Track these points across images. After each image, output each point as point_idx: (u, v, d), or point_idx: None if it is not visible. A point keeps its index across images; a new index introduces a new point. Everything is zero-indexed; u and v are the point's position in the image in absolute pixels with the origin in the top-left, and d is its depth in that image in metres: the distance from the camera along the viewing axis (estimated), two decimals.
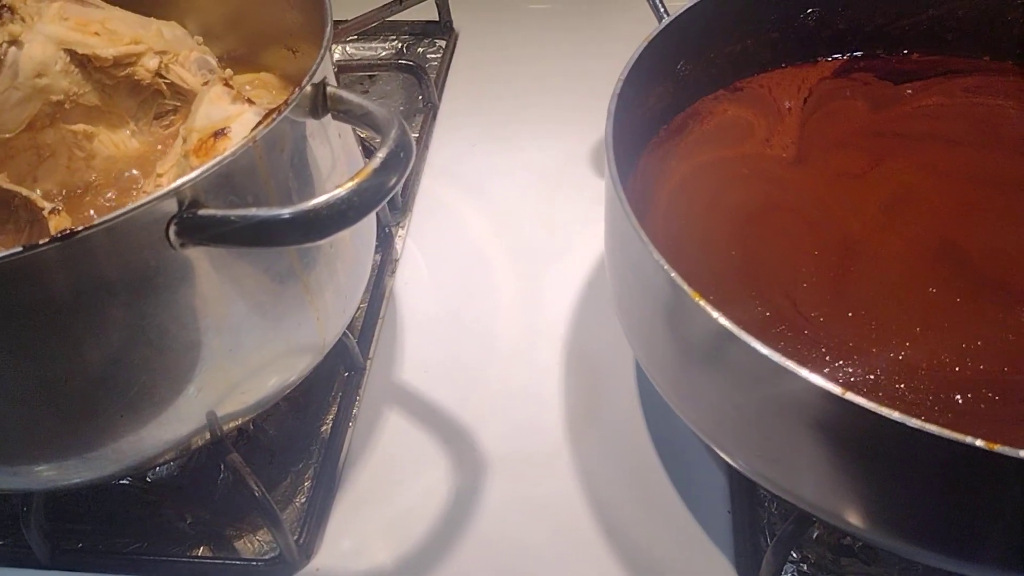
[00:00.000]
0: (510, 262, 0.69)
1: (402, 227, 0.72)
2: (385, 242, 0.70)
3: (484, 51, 0.90)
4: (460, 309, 0.66)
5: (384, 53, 0.90)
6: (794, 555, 0.51)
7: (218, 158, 0.41)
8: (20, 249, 0.37)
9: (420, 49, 0.90)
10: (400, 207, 0.73)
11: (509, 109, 0.82)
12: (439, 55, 0.89)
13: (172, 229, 0.40)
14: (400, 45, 0.91)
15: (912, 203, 0.54)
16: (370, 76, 0.87)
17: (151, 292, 0.42)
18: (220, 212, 0.40)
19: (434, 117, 0.82)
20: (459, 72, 0.87)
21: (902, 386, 0.45)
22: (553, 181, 0.74)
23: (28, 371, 0.42)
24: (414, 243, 0.71)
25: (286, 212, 0.39)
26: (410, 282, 0.68)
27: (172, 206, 0.40)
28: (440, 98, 0.84)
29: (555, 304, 0.65)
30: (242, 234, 0.40)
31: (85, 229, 0.38)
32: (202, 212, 0.40)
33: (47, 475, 0.47)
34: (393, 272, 0.69)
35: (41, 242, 0.37)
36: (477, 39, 0.91)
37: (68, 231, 0.38)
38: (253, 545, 0.53)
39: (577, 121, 0.79)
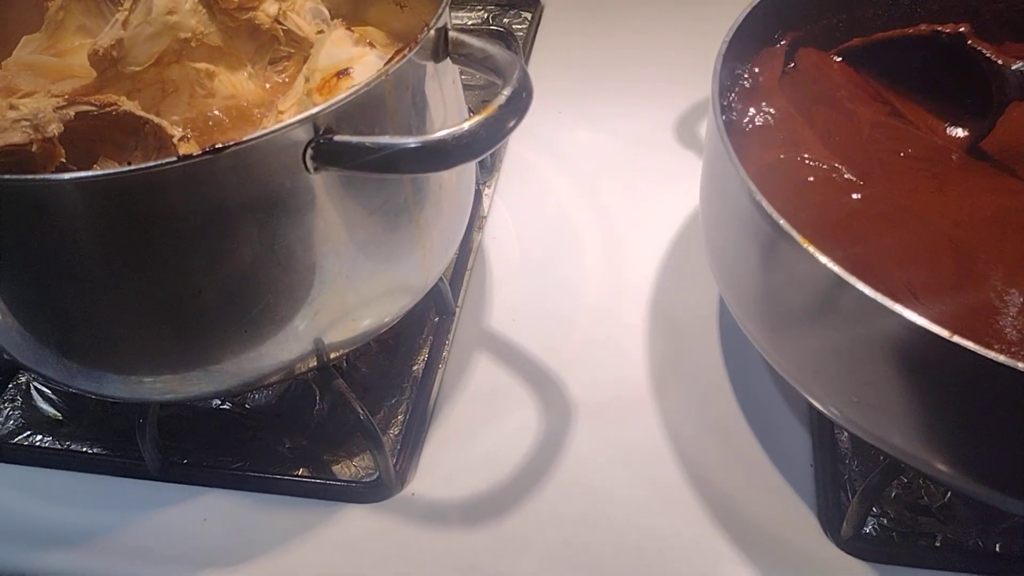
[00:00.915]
0: (595, 223, 0.70)
1: (489, 186, 0.74)
2: (474, 199, 0.72)
3: (569, 22, 0.91)
4: (546, 265, 0.68)
5: (471, 23, 0.92)
6: (874, 510, 0.52)
7: (353, 88, 0.43)
8: (174, 159, 0.40)
9: (506, 20, 0.92)
10: (488, 167, 0.75)
11: (594, 78, 0.84)
12: (524, 26, 0.91)
13: (309, 153, 0.43)
14: (486, 15, 0.93)
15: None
16: None
17: (283, 213, 0.44)
18: (354, 139, 0.43)
19: None
20: (545, 42, 0.89)
21: None
22: (638, 148, 0.76)
23: (163, 282, 0.45)
24: (501, 201, 0.73)
25: (414, 142, 0.42)
26: (497, 238, 0.70)
27: (309, 132, 0.42)
28: (527, 66, 0.86)
29: (639, 265, 0.67)
30: (374, 160, 0.42)
31: (234, 144, 0.40)
32: (337, 138, 0.43)
33: (167, 386, 0.49)
34: (481, 228, 0.71)
35: (195, 152, 0.40)
36: (562, 11, 0.93)
37: (218, 145, 0.40)
38: (350, 470, 0.55)
39: (661, 91, 0.80)
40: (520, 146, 0.77)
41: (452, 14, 0.93)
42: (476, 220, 0.71)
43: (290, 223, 0.45)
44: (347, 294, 0.49)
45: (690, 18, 0.89)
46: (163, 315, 0.46)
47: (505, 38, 0.85)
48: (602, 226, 0.70)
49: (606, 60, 0.86)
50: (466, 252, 0.69)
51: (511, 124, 0.44)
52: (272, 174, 0.43)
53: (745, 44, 0.57)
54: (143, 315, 0.46)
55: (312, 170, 0.43)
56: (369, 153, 0.42)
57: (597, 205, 0.71)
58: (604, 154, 0.76)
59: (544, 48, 0.88)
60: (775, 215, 0.43)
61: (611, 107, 0.81)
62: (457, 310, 0.64)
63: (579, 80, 0.84)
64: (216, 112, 0.57)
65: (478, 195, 0.73)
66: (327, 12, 0.62)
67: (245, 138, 0.41)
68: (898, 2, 0.65)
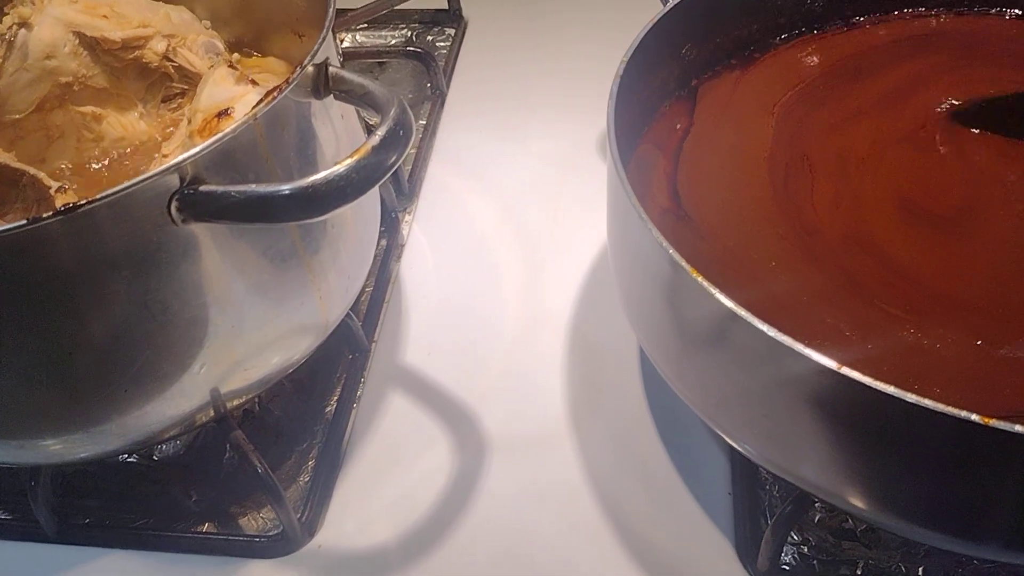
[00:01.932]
0: (516, 249, 0.69)
1: (409, 213, 0.73)
2: (391, 227, 0.70)
3: (493, 39, 0.90)
4: (465, 294, 0.66)
5: (394, 41, 0.90)
6: (795, 537, 0.51)
7: (219, 135, 0.42)
8: (25, 222, 0.38)
9: (429, 37, 0.90)
10: (407, 193, 0.73)
11: (517, 97, 0.82)
12: (448, 43, 0.89)
13: (174, 204, 0.41)
14: (409, 33, 0.91)
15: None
16: (379, 64, 0.88)
17: (154, 267, 0.42)
18: (221, 188, 0.41)
19: (442, 105, 0.82)
20: (468, 60, 0.87)
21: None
22: (560, 168, 0.75)
23: (33, 345, 0.42)
24: (420, 229, 0.71)
25: (286, 188, 0.40)
26: (415, 267, 0.68)
27: (174, 181, 0.41)
28: (449, 86, 0.84)
29: (560, 291, 0.65)
30: (243, 209, 0.40)
31: (88, 203, 0.38)
32: (203, 188, 0.41)
33: (53, 449, 0.47)
34: (399, 257, 0.69)
35: (45, 215, 0.38)
36: (486, 27, 0.91)
37: (71, 205, 0.38)
38: (257, 522, 0.53)
39: (584, 108, 0.79)
40: (440, 170, 0.76)
41: (375, 33, 0.92)
42: (394, 249, 0.69)
43: (162, 278, 0.43)
44: (235, 344, 0.47)
45: (614, 32, 0.87)
46: (35, 378, 0.44)
47: (425, 59, 0.83)
48: (522, 252, 0.68)
49: (531, 75, 0.85)
50: (383, 283, 0.67)
51: (389, 163, 0.42)
52: (137, 229, 0.41)
53: (650, 61, 0.55)
54: (14, 379, 0.44)
55: (180, 223, 0.41)
56: (236, 202, 0.40)
57: (517, 230, 0.70)
58: (526, 175, 0.74)
59: (467, 66, 0.87)
60: (666, 244, 0.42)
61: (535, 125, 0.79)
62: (373, 345, 0.63)
63: (502, 97, 0.82)
64: (102, 158, 0.55)
65: (396, 222, 0.71)
66: (221, 45, 0.60)
67: (101, 195, 0.39)
68: (811, 9, 0.64)
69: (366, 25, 0.92)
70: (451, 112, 0.81)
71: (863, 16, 0.65)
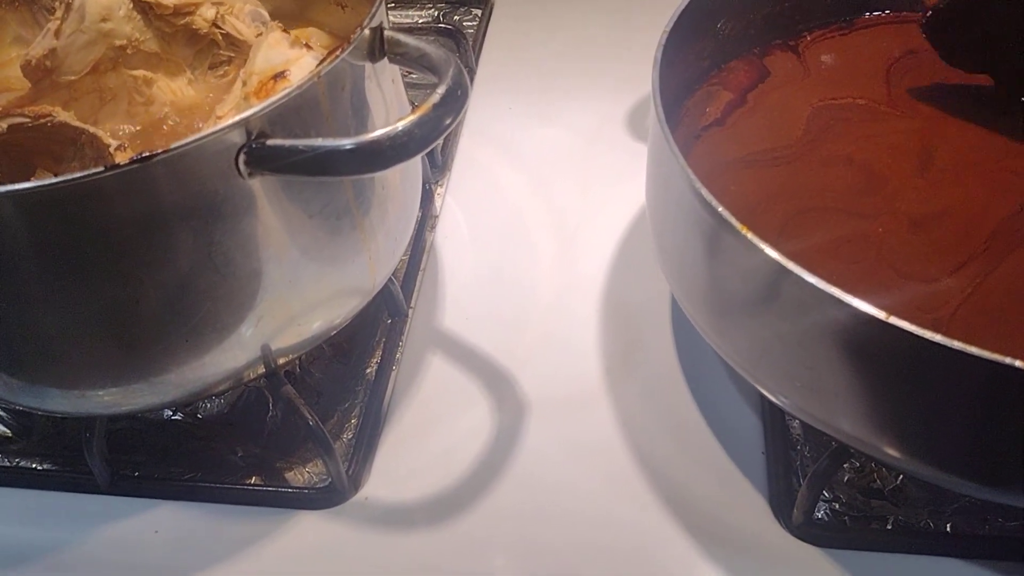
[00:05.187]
0: (547, 219, 0.70)
1: (441, 185, 0.74)
2: (425, 199, 0.72)
3: (520, 19, 0.91)
4: (499, 263, 0.67)
5: (421, 21, 0.91)
6: (826, 495, 0.52)
7: (285, 90, 0.43)
8: (102, 169, 0.39)
9: (456, 17, 0.91)
10: (439, 165, 0.75)
11: (545, 74, 0.84)
12: (475, 23, 0.90)
13: (241, 158, 0.42)
14: (436, 13, 0.92)
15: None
16: None
17: (219, 219, 0.43)
18: (288, 142, 0.42)
19: (472, 81, 0.83)
20: (495, 39, 0.89)
21: None
22: (589, 142, 0.76)
23: (100, 293, 0.44)
24: (453, 200, 0.73)
25: (349, 143, 0.41)
26: (450, 237, 0.70)
27: (241, 136, 0.42)
28: (477, 63, 0.86)
29: (591, 259, 0.67)
30: (308, 163, 0.42)
31: (163, 152, 0.40)
32: (270, 142, 0.42)
33: (112, 399, 0.49)
34: (433, 227, 0.71)
35: (121, 162, 0.39)
36: (513, 7, 0.93)
37: (147, 153, 0.39)
38: (303, 477, 0.55)
39: (611, 86, 0.80)
40: (471, 144, 0.77)
41: (402, 13, 0.93)
42: (428, 219, 0.71)
43: (227, 230, 0.44)
44: (291, 299, 0.49)
45: (640, 10, 0.89)
46: (101, 327, 0.45)
47: (455, 36, 0.85)
48: (554, 222, 0.70)
49: (557, 55, 0.86)
50: (419, 252, 0.68)
51: (447, 122, 0.43)
52: (205, 180, 0.42)
53: (687, 34, 0.57)
54: (81, 327, 0.45)
55: (246, 175, 0.43)
56: (303, 155, 0.42)
57: (549, 201, 0.71)
58: (556, 149, 0.76)
59: (495, 45, 0.88)
60: (714, 202, 0.43)
61: (562, 102, 0.80)
62: (410, 311, 0.64)
63: (531, 76, 0.84)
64: (153, 121, 0.56)
65: (430, 194, 0.73)
66: (266, 14, 0.61)
67: (174, 145, 0.40)
68: None
69: (393, 4, 0.93)
70: (480, 89, 0.83)
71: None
